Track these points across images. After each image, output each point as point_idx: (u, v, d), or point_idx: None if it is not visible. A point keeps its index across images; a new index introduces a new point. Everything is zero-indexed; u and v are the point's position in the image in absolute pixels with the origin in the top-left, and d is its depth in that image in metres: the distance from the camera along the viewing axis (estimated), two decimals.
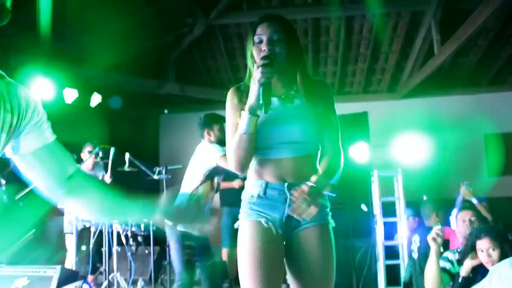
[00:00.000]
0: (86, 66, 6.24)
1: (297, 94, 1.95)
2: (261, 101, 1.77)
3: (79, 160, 5.69)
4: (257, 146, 1.90)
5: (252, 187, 1.95)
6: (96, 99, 6.37)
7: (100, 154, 5.33)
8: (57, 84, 5.68)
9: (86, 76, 6.32)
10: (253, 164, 1.96)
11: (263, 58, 1.83)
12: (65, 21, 5.68)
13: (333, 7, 6.67)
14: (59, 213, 5.65)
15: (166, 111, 8.39)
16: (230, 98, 1.98)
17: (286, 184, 1.89)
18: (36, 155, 1.35)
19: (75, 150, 5.99)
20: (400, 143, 5.59)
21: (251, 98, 1.81)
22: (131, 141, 7.02)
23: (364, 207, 5.41)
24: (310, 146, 1.94)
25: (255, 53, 1.91)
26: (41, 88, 5.41)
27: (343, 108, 8.66)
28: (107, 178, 5.52)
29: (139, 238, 5.11)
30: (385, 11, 6.71)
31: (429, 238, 2.91)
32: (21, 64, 5.45)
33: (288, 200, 1.84)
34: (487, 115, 7.92)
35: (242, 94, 1.93)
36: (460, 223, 3.48)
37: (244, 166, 1.92)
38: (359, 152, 5.35)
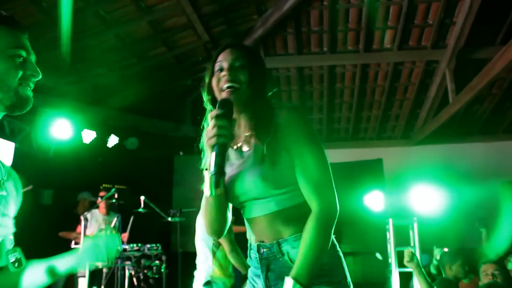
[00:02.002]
0: (105, 107, 6.38)
1: (251, 138, 1.59)
2: (211, 169, 1.41)
3: (94, 204, 5.71)
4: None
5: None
6: (113, 140, 6.48)
7: (116, 195, 5.34)
8: (76, 124, 5.81)
9: (104, 117, 6.45)
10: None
11: (220, 104, 1.47)
12: (86, 64, 5.86)
13: (348, 55, 6.82)
14: None
15: (181, 153, 8.47)
16: None
17: (256, 244, 1.60)
18: None
19: (91, 189, 6.06)
20: (415, 191, 5.54)
21: (207, 160, 1.47)
22: (146, 182, 7.06)
23: (379, 256, 5.33)
24: (284, 198, 1.54)
25: (214, 83, 1.58)
26: (61, 129, 5.54)
27: (357, 153, 8.75)
28: (124, 237, 5.51)
29: (151, 281, 5.07)
30: (400, 59, 6.83)
31: (405, 262, 3.25)
32: (43, 105, 5.60)
33: (259, 262, 1.60)
34: (503, 163, 7.86)
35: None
36: (483, 276, 3.41)
37: (217, 231, 1.64)
38: (374, 200, 5.31)
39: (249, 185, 1.54)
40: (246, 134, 1.59)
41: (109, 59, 5.90)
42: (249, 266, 1.69)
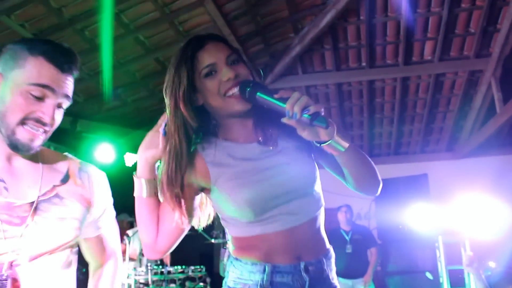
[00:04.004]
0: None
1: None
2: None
3: (132, 225, 5.79)
4: (244, 215, 1.31)
5: (246, 273, 1.31)
6: None
7: None
8: (118, 148, 5.92)
9: None
10: (242, 240, 1.37)
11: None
12: (128, 89, 5.98)
13: (388, 69, 6.69)
14: None
15: None
16: None
17: (303, 265, 1.30)
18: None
19: (132, 211, 6.14)
20: (464, 206, 5.32)
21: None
22: None
23: (429, 276, 5.11)
24: (319, 196, 1.38)
25: (211, 87, 1.30)
26: (104, 153, 5.66)
27: (400, 169, 8.52)
28: (167, 259, 5.55)
29: None
30: (442, 71, 6.64)
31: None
32: (87, 130, 5.75)
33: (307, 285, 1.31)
34: None
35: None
36: None
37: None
38: (421, 217, 5.12)
39: (298, 179, 1.31)
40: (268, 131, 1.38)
41: (149, 83, 6.01)
42: None
